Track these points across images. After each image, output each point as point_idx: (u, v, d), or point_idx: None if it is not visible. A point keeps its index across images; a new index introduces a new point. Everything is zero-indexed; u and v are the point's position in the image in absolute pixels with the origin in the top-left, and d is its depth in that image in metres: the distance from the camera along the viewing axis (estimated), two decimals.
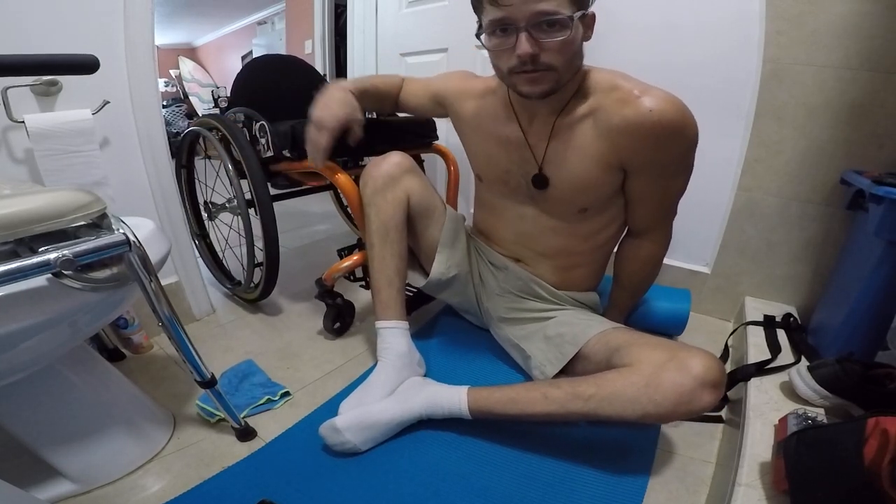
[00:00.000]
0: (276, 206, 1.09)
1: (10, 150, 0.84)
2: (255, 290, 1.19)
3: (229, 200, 1.17)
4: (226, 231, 1.26)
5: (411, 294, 1.14)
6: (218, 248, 1.34)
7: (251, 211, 1.08)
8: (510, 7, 0.63)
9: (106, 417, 0.70)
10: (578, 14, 0.65)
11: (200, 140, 1.20)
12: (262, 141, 1.02)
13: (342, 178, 0.96)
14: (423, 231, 0.98)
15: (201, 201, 1.30)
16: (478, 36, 0.71)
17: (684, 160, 0.76)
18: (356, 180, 0.96)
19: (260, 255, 1.11)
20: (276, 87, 1.28)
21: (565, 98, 0.76)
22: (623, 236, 0.93)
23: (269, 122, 1.01)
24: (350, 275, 1.10)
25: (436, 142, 1.28)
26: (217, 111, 1.18)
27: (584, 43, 0.72)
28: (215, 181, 1.21)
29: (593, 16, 0.69)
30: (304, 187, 1.23)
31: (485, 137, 0.88)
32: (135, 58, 0.93)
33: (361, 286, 1.13)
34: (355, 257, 1.05)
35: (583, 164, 0.77)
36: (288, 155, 1.00)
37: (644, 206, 0.83)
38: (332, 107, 0.87)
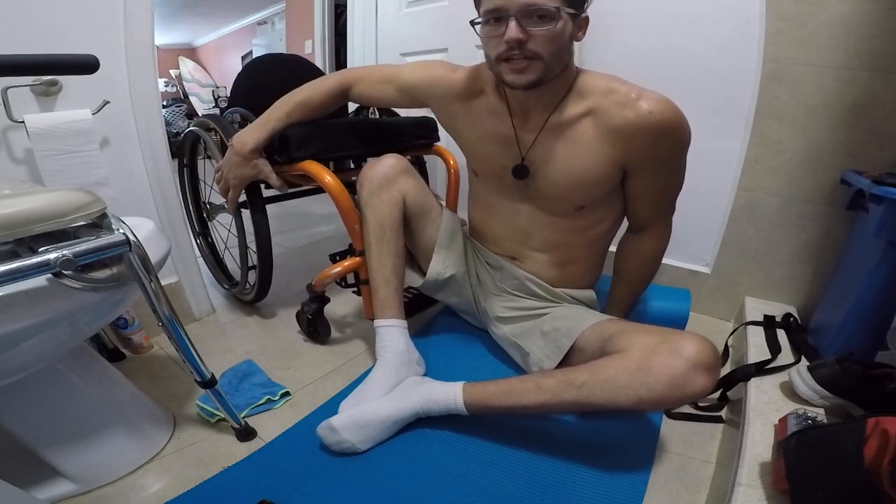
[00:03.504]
0: (279, 206, 1.08)
1: (10, 150, 0.84)
2: (250, 291, 1.18)
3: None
4: (225, 232, 1.24)
5: (410, 297, 1.13)
6: (220, 248, 1.34)
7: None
8: None
9: (106, 417, 0.70)
10: (569, 10, 0.68)
11: (201, 141, 1.18)
12: None
13: (329, 180, 0.94)
14: (419, 232, 0.99)
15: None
16: (472, 24, 0.73)
17: (680, 157, 0.80)
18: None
19: (254, 258, 1.09)
20: (276, 87, 1.22)
21: (558, 96, 0.78)
22: (625, 232, 0.95)
23: None
24: (342, 281, 1.04)
25: (436, 143, 1.25)
26: (217, 111, 1.17)
27: (576, 44, 0.74)
28: (213, 181, 1.19)
29: (586, 19, 0.73)
30: (299, 188, 1.17)
31: (481, 134, 0.89)
32: (135, 58, 0.93)
33: (354, 292, 1.08)
34: (346, 263, 0.99)
35: (581, 163, 0.79)
36: (277, 158, 0.98)
37: (645, 203, 0.86)
38: (236, 168, 0.96)
